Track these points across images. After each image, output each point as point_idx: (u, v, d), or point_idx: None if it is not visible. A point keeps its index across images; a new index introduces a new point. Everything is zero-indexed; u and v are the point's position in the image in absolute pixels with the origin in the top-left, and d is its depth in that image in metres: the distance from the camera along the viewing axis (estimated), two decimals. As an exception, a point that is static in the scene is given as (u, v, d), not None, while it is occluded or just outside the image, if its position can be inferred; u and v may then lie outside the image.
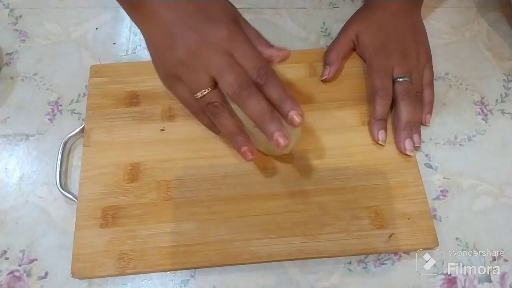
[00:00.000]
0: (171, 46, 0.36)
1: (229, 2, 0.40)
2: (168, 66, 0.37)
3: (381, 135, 0.44)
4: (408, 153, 0.44)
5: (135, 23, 0.40)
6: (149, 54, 0.40)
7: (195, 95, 0.35)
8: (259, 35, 0.39)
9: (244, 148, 0.36)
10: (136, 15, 0.39)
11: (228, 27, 0.35)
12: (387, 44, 0.47)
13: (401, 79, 0.46)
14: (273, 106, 0.34)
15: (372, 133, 0.45)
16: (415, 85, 0.46)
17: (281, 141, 0.33)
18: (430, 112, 0.47)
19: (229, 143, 0.44)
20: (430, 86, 0.48)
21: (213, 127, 0.41)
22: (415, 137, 0.45)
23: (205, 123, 0.40)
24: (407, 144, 0.44)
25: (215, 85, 0.35)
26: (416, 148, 0.45)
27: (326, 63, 0.49)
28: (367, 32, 0.49)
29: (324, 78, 0.48)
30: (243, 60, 0.34)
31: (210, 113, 0.36)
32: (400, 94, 0.45)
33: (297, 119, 0.33)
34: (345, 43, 0.49)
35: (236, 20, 0.38)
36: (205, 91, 0.35)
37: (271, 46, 0.38)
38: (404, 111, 0.44)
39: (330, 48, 0.50)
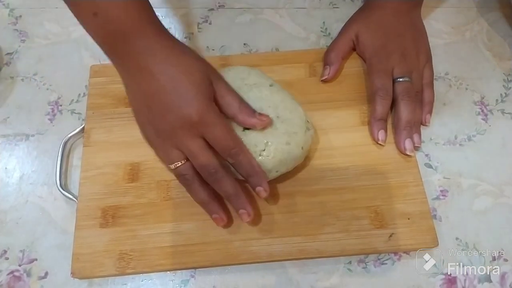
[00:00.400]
0: (149, 119, 0.38)
1: (209, 68, 0.38)
2: (146, 134, 0.39)
3: (381, 135, 0.44)
4: (408, 153, 0.44)
5: (119, 72, 0.39)
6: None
7: (169, 166, 0.38)
8: (240, 101, 0.39)
9: (214, 215, 0.39)
10: (119, 66, 0.38)
11: (201, 107, 0.36)
12: (387, 44, 0.47)
13: (401, 79, 0.46)
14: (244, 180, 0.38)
15: (372, 133, 0.45)
16: (415, 85, 0.46)
17: (244, 217, 0.38)
18: (430, 112, 0.47)
19: None
20: (430, 86, 0.48)
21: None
22: (415, 137, 0.45)
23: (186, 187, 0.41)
24: (407, 144, 0.44)
25: (187, 158, 0.37)
26: (416, 148, 0.45)
27: (326, 63, 0.49)
28: (367, 32, 0.49)
29: (324, 78, 0.48)
30: (214, 142, 0.37)
31: (183, 183, 0.39)
32: (400, 94, 0.45)
33: (262, 194, 0.37)
34: (345, 43, 0.50)
35: (209, 96, 0.37)
36: (178, 163, 0.37)
37: (252, 114, 0.38)
38: (404, 111, 0.44)
39: (330, 48, 0.50)
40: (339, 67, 0.49)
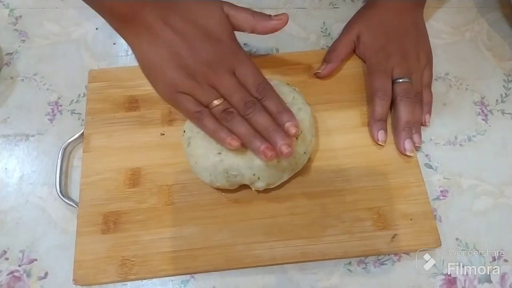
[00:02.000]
0: (175, 64, 0.37)
1: (220, 5, 0.40)
2: (171, 82, 0.38)
3: (380, 135, 0.44)
4: (408, 153, 0.44)
5: (126, 38, 0.40)
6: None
7: (211, 104, 0.38)
8: (253, 13, 0.40)
9: (264, 146, 0.36)
10: (129, 30, 0.39)
11: (230, 46, 0.39)
12: (388, 44, 0.47)
13: (400, 80, 0.46)
14: (271, 117, 0.38)
15: (371, 133, 0.45)
16: (415, 85, 0.46)
17: (284, 149, 0.36)
18: (429, 112, 0.47)
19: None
20: (429, 87, 0.48)
21: (217, 133, 0.39)
22: (415, 137, 0.45)
23: (210, 128, 0.39)
24: (407, 144, 0.44)
25: (223, 97, 0.38)
26: (417, 149, 0.45)
27: (324, 61, 0.49)
28: (368, 32, 0.49)
29: (317, 71, 0.48)
30: (245, 77, 0.38)
31: (224, 120, 0.38)
32: (399, 94, 0.45)
33: (292, 129, 0.36)
34: (346, 44, 0.49)
35: (232, 33, 0.40)
36: (216, 101, 0.38)
37: (269, 18, 0.40)
38: (403, 111, 0.44)
39: (331, 49, 0.50)
40: (336, 68, 0.48)
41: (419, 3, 0.50)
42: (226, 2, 0.41)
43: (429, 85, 0.48)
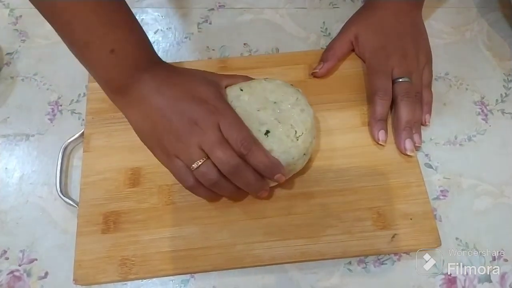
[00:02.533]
0: (165, 128, 0.37)
1: (210, 73, 0.42)
2: (164, 146, 0.38)
3: (381, 135, 0.44)
4: (408, 153, 0.44)
5: (121, 109, 0.40)
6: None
7: (192, 166, 0.37)
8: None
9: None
10: (122, 101, 0.39)
11: (215, 104, 0.38)
12: (387, 44, 0.47)
13: (400, 80, 0.46)
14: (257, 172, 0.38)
15: (372, 133, 0.45)
16: (415, 85, 0.46)
17: (264, 194, 0.40)
18: (429, 112, 0.47)
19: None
20: (429, 87, 0.48)
21: (211, 198, 0.41)
22: (416, 137, 0.45)
23: (203, 195, 0.40)
24: (407, 144, 0.44)
25: (207, 156, 0.37)
26: (417, 148, 0.45)
27: (321, 60, 0.49)
28: (366, 33, 0.49)
29: (314, 71, 0.48)
30: (229, 131, 0.37)
31: (207, 183, 0.38)
32: (399, 94, 0.45)
33: (281, 179, 0.38)
34: (343, 44, 0.49)
35: (219, 93, 0.40)
36: (200, 161, 0.37)
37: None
38: (404, 111, 0.44)
39: (328, 48, 0.50)
40: (333, 66, 0.49)
41: (418, 4, 0.50)
42: (225, 76, 0.42)
43: (429, 84, 0.48)
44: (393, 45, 0.47)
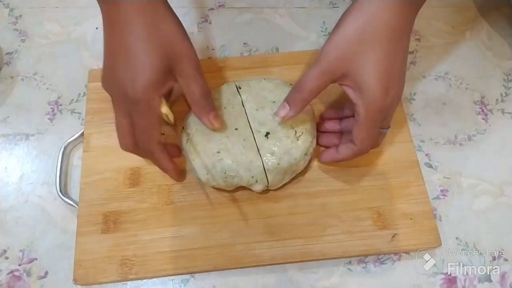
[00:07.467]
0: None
1: (178, 46, 0.36)
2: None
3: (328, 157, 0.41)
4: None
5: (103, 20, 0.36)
6: None
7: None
8: (201, 93, 0.37)
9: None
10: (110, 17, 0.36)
11: (142, 89, 0.34)
12: (389, 90, 0.35)
13: (384, 130, 0.40)
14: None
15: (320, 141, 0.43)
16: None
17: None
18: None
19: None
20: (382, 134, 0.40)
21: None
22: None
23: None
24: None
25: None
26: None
27: (287, 101, 0.38)
28: (362, 74, 0.35)
29: (278, 117, 0.38)
30: (136, 129, 0.37)
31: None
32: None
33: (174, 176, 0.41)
34: (320, 84, 0.36)
35: (158, 81, 0.35)
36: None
37: (206, 113, 0.38)
38: (362, 145, 0.37)
39: (297, 87, 0.37)
40: (299, 112, 0.38)
41: (411, 19, 0.39)
42: (188, 55, 0.37)
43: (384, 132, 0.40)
44: (393, 90, 0.35)
